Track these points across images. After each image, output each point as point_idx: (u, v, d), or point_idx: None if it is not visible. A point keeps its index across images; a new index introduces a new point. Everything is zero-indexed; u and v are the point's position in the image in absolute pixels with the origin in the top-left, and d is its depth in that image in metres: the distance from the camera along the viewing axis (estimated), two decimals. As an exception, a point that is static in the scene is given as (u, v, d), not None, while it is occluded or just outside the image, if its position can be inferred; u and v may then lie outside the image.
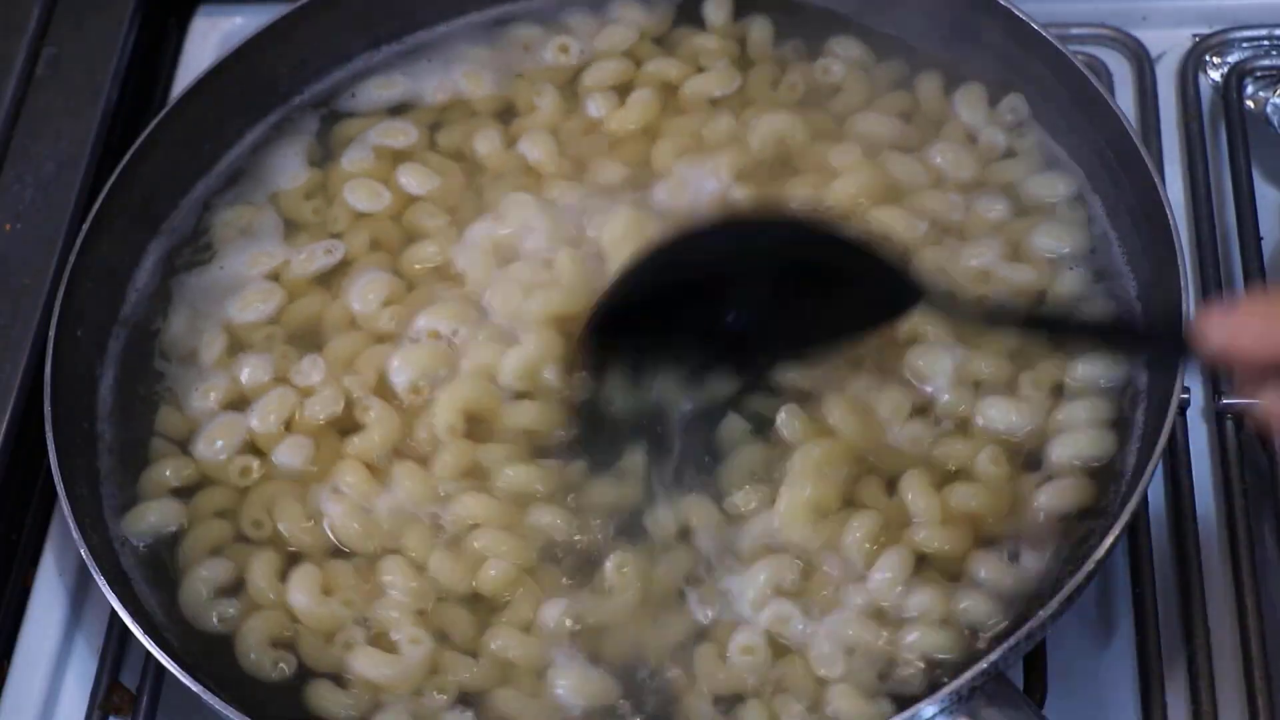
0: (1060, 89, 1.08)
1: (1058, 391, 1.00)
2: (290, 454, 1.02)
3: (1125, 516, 0.91)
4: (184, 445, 1.03)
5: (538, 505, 0.99)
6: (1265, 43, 1.21)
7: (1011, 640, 0.88)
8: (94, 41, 1.23)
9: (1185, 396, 1.03)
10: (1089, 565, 0.89)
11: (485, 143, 1.13)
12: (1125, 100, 1.19)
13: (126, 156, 1.09)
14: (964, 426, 0.99)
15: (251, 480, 1.01)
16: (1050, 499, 0.96)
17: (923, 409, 0.99)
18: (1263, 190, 1.15)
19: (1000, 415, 0.99)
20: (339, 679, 0.95)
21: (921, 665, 0.92)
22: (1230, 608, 0.99)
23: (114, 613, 0.94)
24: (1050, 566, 0.94)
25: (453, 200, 1.11)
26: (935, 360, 1.00)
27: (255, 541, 1.00)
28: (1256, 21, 1.22)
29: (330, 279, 1.09)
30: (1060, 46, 1.07)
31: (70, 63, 1.22)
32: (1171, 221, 0.99)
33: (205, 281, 1.10)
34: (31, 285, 1.11)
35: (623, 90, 1.15)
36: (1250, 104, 1.18)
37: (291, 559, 0.99)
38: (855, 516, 0.96)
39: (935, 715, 0.89)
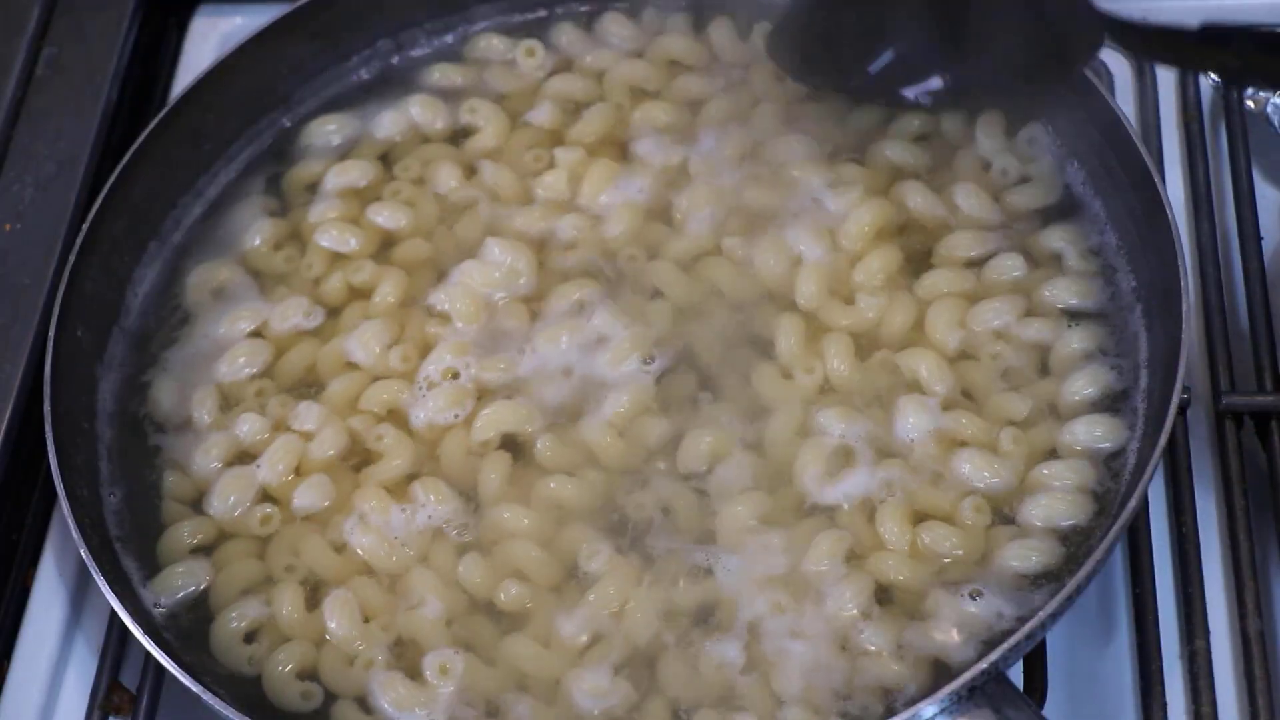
0: (1060, 89, 1.08)
1: (1042, 452, 0.99)
2: (309, 496, 1.01)
3: (1125, 516, 0.91)
4: (196, 506, 1.03)
5: (571, 522, 0.99)
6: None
7: (1012, 640, 0.88)
8: (94, 41, 1.23)
9: (1185, 396, 1.02)
10: (1089, 564, 0.89)
11: (446, 176, 1.13)
12: (1125, 100, 1.19)
13: (126, 156, 1.09)
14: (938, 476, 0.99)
15: (272, 528, 1.01)
16: (1016, 556, 0.96)
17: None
18: (1263, 190, 1.15)
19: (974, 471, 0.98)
20: (364, 701, 0.95)
21: (878, 691, 0.92)
22: (1230, 607, 0.99)
23: (114, 613, 0.94)
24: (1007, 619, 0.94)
25: (428, 230, 1.11)
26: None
27: (282, 581, 0.99)
28: (1257, 21, 1.22)
29: (318, 327, 1.09)
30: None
31: (70, 63, 1.22)
32: (1172, 221, 0.99)
33: (187, 353, 1.09)
34: (31, 285, 1.11)
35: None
36: (1250, 104, 1.18)
37: (313, 590, 0.99)
38: (820, 535, 0.97)
39: (936, 715, 0.88)
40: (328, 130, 1.17)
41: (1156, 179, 1.01)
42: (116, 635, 1.03)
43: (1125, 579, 1.01)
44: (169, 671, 0.92)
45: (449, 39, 1.21)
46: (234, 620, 0.98)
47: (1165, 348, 0.98)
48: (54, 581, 1.07)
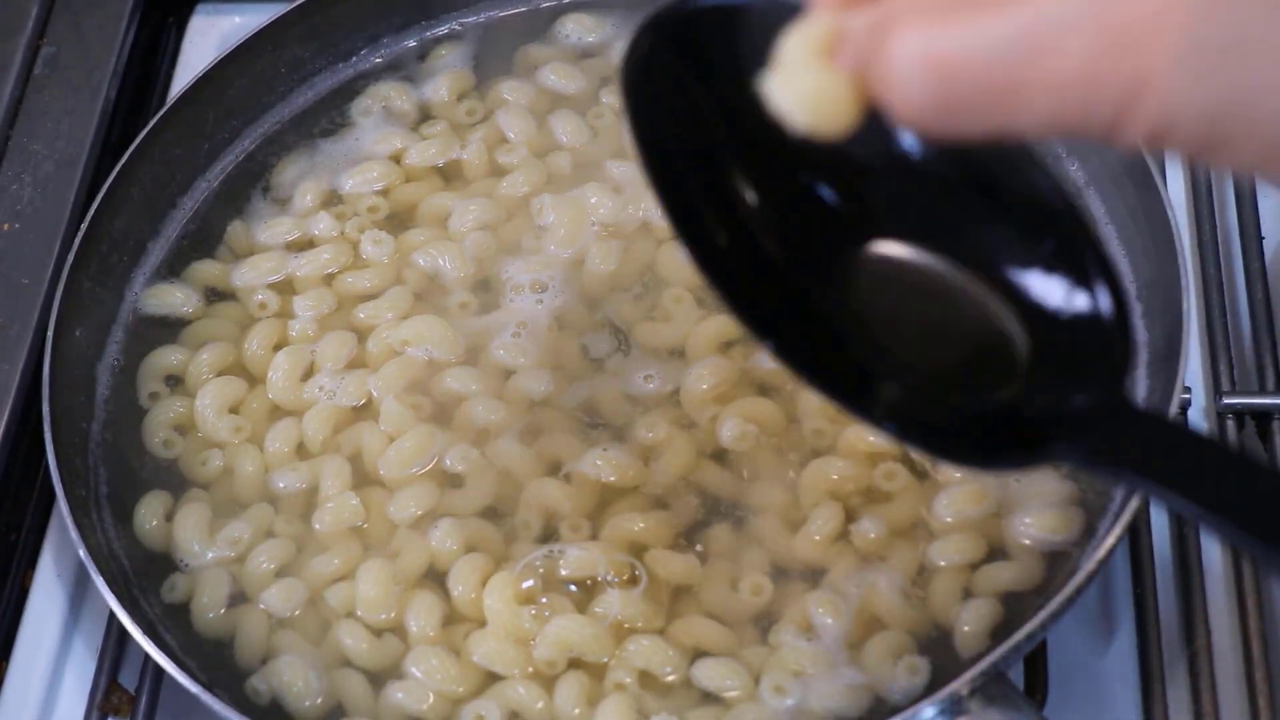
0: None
1: None
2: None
3: (1126, 516, 0.90)
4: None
5: None
6: (1267, 41, 1.21)
7: (1012, 640, 0.88)
8: (92, 40, 1.22)
9: (1186, 396, 1.02)
10: (1090, 565, 0.89)
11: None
12: (1126, 99, 1.18)
13: (125, 156, 1.09)
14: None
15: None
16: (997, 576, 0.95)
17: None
18: (1264, 189, 1.15)
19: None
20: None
21: None
22: (1231, 608, 0.99)
23: (112, 613, 0.94)
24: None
25: None
26: None
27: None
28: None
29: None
30: (1060, 45, 1.07)
31: (69, 62, 1.22)
32: (1173, 221, 0.98)
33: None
34: (30, 284, 1.10)
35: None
36: (1251, 103, 1.18)
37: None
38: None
39: (935, 716, 0.88)
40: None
41: (1158, 178, 1.00)
42: (115, 636, 1.02)
43: (1126, 579, 1.01)
44: (168, 672, 0.91)
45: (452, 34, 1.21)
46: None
47: (1165, 348, 0.97)
48: (52, 582, 1.07)
